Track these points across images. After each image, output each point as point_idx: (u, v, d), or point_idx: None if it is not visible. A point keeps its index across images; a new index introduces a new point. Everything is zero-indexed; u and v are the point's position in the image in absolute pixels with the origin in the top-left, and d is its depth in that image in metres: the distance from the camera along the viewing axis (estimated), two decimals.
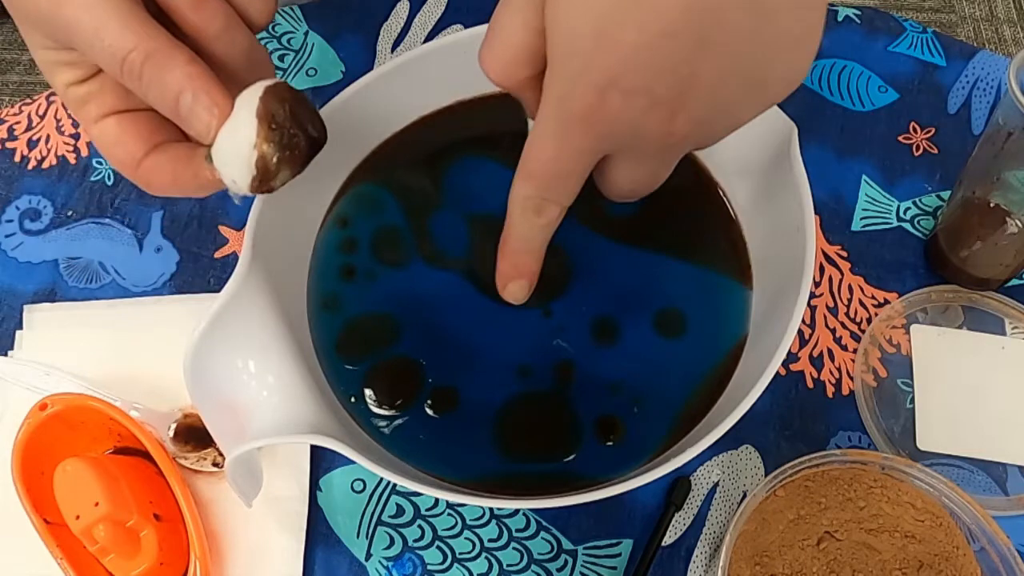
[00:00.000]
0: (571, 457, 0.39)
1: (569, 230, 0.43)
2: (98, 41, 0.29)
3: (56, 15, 0.29)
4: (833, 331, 0.49)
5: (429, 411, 0.40)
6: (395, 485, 0.45)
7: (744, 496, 0.45)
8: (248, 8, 0.31)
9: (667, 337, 0.41)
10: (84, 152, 0.55)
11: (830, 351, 0.48)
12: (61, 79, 0.31)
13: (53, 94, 0.57)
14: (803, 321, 0.49)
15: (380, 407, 0.40)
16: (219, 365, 0.35)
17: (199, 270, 0.51)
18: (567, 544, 0.44)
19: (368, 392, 0.40)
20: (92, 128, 0.32)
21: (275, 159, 0.29)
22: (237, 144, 0.28)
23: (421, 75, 0.43)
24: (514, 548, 0.44)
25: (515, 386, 0.40)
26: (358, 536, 0.44)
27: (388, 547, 0.44)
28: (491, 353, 0.41)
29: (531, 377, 0.40)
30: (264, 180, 0.29)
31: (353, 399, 0.40)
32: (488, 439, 0.39)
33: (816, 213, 0.37)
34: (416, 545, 0.44)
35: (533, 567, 0.43)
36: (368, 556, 0.44)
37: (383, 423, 0.40)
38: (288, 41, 0.57)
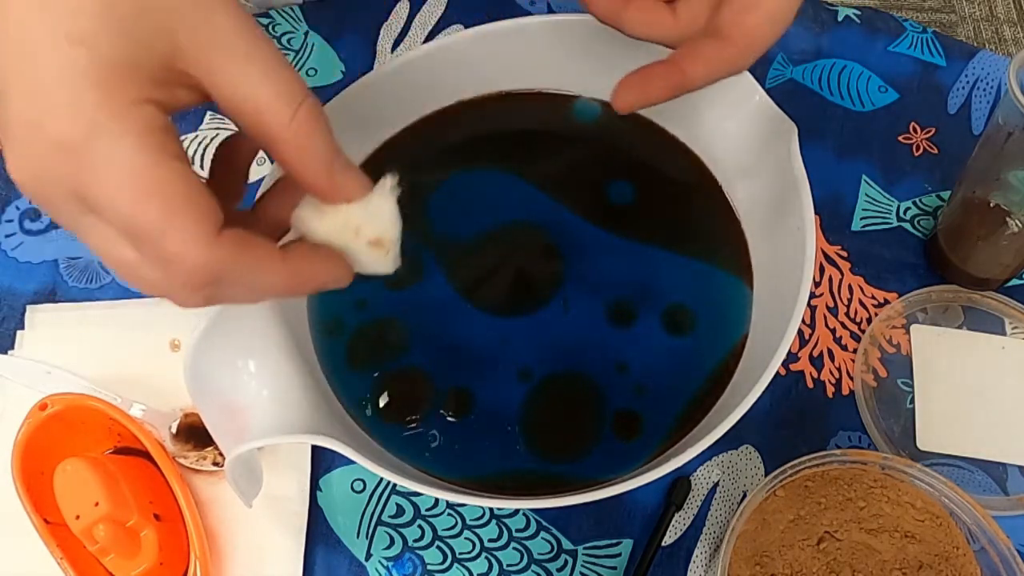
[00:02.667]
0: (590, 454, 0.39)
1: (572, 226, 0.44)
2: (274, 74, 0.24)
3: (206, 23, 0.23)
4: (833, 331, 0.49)
5: (448, 417, 0.40)
6: (395, 485, 0.45)
7: (744, 496, 0.45)
8: None
9: (673, 336, 0.41)
10: None
11: (830, 351, 0.48)
12: (131, 95, 0.23)
13: None
14: (803, 321, 0.48)
15: (395, 422, 0.40)
16: (219, 365, 0.35)
17: None
18: (567, 544, 0.44)
19: (381, 405, 0.40)
20: (164, 165, 0.22)
21: (398, 247, 0.29)
22: (383, 224, 0.28)
23: (421, 75, 0.43)
24: (514, 548, 0.44)
25: (522, 388, 0.40)
26: (358, 536, 0.44)
27: (388, 547, 0.44)
28: (498, 357, 0.41)
29: (538, 379, 0.40)
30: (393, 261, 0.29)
31: (365, 406, 0.40)
32: (503, 439, 0.39)
33: (816, 213, 0.37)
34: (416, 545, 0.44)
35: (533, 567, 0.43)
36: (368, 556, 0.44)
37: (392, 431, 0.40)
38: (288, 41, 0.57)
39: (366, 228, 0.28)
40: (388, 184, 0.28)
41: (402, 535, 0.44)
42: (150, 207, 0.22)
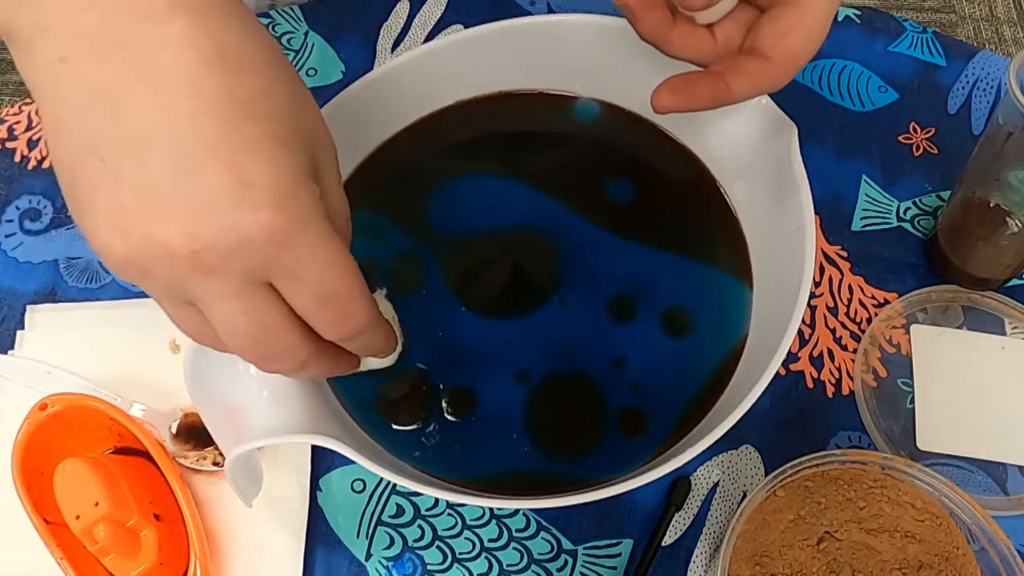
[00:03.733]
0: (592, 453, 0.39)
1: (571, 226, 0.44)
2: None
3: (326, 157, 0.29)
4: (833, 331, 0.49)
5: (448, 416, 0.40)
6: (395, 485, 0.45)
7: (744, 496, 0.45)
8: None
9: (673, 336, 0.41)
10: None
11: (830, 351, 0.48)
12: (317, 192, 0.27)
13: None
14: (803, 321, 0.49)
15: (395, 422, 0.40)
16: (219, 365, 0.35)
17: None
18: (567, 544, 0.44)
19: (381, 405, 0.40)
20: (328, 236, 0.26)
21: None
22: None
23: (421, 75, 0.43)
24: (514, 548, 0.44)
25: (523, 387, 0.40)
26: (358, 536, 0.44)
27: (388, 547, 0.44)
28: (499, 357, 0.41)
29: (539, 378, 0.40)
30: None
31: (365, 406, 0.40)
32: (504, 439, 0.39)
33: (816, 213, 0.37)
34: (416, 545, 0.44)
35: (533, 567, 0.43)
36: (368, 556, 0.44)
37: (391, 431, 0.40)
38: (288, 41, 0.57)
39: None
40: (383, 294, 0.37)
41: (402, 535, 0.44)
42: (352, 280, 0.27)
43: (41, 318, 0.49)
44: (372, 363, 0.36)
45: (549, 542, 0.44)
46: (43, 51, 0.25)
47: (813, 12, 0.33)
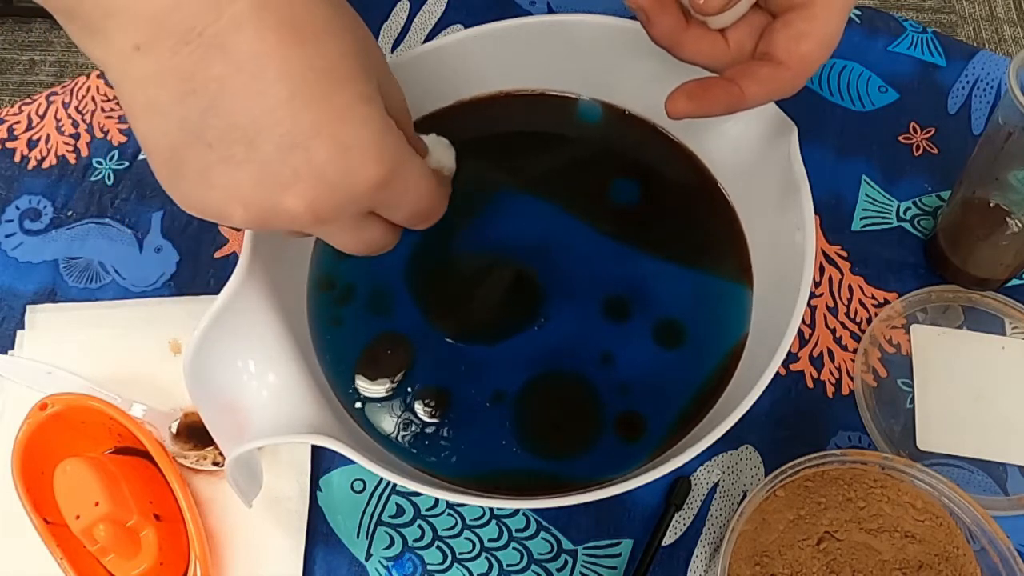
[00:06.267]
0: (591, 453, 0.39)
1: (569, 229, 0.44)
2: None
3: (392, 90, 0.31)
4: (833, 331, 0.49)
5: (448, 416, 0.40)
6: (395, 485, 0.45)
7: (744, 496, 0.45)
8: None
9: (667, 348, 0.41)
10: (84, 152, 0.55)
11: (830, 351, 0.48)
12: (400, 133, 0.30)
13: (53, 94, 0.57)
14: (803, 321, 0.48)
15: (374, 382, 0.40)
16: (219, 365, 0.35)
17: (199, 270, 0.51)
18: (567, 544, 0.44)
19: (378, 405, 0.40)
20: (414, 168, 0.30)
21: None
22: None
23: (421, 75, 0.43)
24: (514, 548, 0.44)
25: (522, 388, 0.40)
26: (358, 536, 0.44)
27: (388, 547, 0.44)
28: (498, 358, 0.41)
29: (536, 378, 0.40)
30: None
31: (363, 406, 0.40)
32: (504, 438, 0.39)
33: (816, 213, 0.37)
34: (416, 545, 0.44)
35: (533, 567, 0.43)
36: (368, 556, 0.44)
37: (387, 425, 0.40)
38: None
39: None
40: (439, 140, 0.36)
41: (402, 535, 0.44)
42: (435, 197, 0.31)
43: (41, 318, 0.49)
44: None
45: (549, 542, 0.44)
46: (115, 38, 0.25)
47: (826, 18, 0.33)
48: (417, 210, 0.31)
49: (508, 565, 0.43)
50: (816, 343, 0.48)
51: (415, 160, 0.30)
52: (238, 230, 0.28)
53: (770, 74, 0.34)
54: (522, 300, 0.42)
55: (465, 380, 0.41)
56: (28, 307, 0.50)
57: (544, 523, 0.44)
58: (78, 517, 0.40)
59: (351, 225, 0.30)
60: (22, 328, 0.49)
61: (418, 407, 0.40)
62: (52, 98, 0.57)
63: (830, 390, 0.47)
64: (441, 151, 0.35)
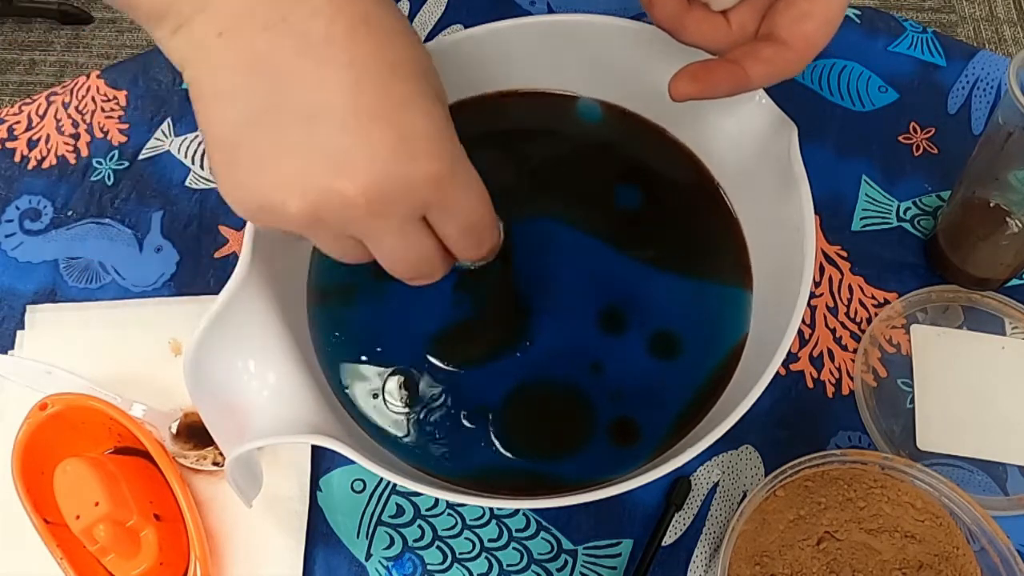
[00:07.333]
0: (589, 454, 0.39)
1: (567, 229, 0.44)
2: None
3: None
4: (833, 331, 0.49)
5: (448, 416, 0.40)
6: (395, 485, 0.45)
7: (744, 496, 0.45)
8: None
9: (662, 358, 0.41)
10: (84, 152, 0.55)
11: (830, 351, 0.48)
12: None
13: (53, 94, 0.57)
14: (803, 321, 0.48)
15: (392, 421, 0.40)
16: (219, 365, 0.35)
17: (199, 270, 0.51)
18: (567, 544, 0.44)
19: (378, 405, 0.40)
20: (472, 175, 0.30)
21: None
22: None
23: None
24: (514, 548, 0.44)
25: (519, 390, 0.40)
26: (358, 536, 0.44)
27: (388, 547, 0.44)
28: (498, 358, 0.41)
29: (534, 381, 0.40)
30: None
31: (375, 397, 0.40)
32: (503, 438, 0.39)
33: (816, 213, 0.37)
34: (416, 545, 0.44)
35: (533, 567, 0.43)
36: (368, 556, 0.44)
37: (386, 423, 0.40)
38: None
39: None
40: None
41: (402, 535, 0.44)
42: (488, 212, 0.31)
43: (41, 318, 0.49)
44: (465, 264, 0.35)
45: (549, 542, 0.44)
46: (199, 29, 0.27)
47: None
48: (471, 221, 0.30)
49: (508, 565, 0.43)
50: (816, 343, 0.48)
51: (470, 166, 0.30)
52: (286, 233, 0.28)
53: (774, 54, 0.34)
54: (516, 318, 0.42)
55: (465, 381, 0.41)
56: (28, 307, 0.50)
57: (544, 523, 0.44)
58: (78, 517, 0.40)
59: (401, 227, 0.29)
60: (22, 328, 0.49)
61: (418, 407, 0.40)
62: (52, 98, 0.57)
63: (830, 390, 0.47)
64: None
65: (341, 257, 0.31)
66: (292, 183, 0.27)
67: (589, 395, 0.40)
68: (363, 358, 0.41)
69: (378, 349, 0.41)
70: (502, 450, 0.39)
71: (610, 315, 0.42)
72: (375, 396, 0.40)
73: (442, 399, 0.40)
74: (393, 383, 0.41)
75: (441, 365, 0.41)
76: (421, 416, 0.40)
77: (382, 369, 0.41)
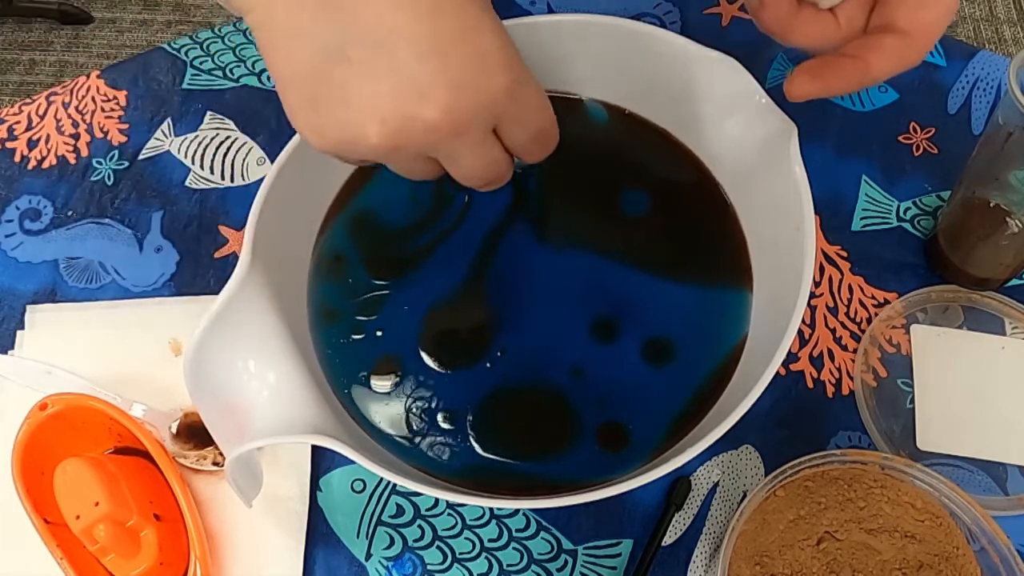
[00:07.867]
0: (566, 459, 0.39)
1: (565, 232, 0.44)
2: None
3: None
4: (833, 331, 0.49)
5: (447, 415, 0.40)
6: (395, 485, 0.45)
7: (744, 496, 0.45)
8: None
9: (657, 364, 0.41)
10: (84, 152, 0.55)
11: (830, 351, 0.48)
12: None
13: (53, 94, 0.57)
14: (803, 321, 0.48)
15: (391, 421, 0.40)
16: (219, 365, 0.35)
17: (199, 270, 0.51)
18: (567, 544, 0.44)
19: (388, 391, 0.40)
20: (536, 84, 0.32)
21: None
22: None
23: None
24: (514, 548, 0.44)
25: (515, 390, 0.40)
26: (358, 536, 0.44)
27: (388, 547, 0.44)
28: (497, 361, 0.41)
29: (531, 384, 0.40)
30: None
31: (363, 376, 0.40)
32: (503, 438, 0.39)
33: (816, 213, 0.37)
34: (416, 545, 0.44)
35: (533, 567, 0.43)
36: (368, 556, 0.44)
37: (393, 433, 0.40)
38: None
39: None
40: None
41: (402, 535, 0.44)
42: (552, 116, 0.32)
43: (41, 318, 0.49)
44: None
45: (549, 542, 0.44)
46: None
47: None
48: (540, 127, 0.32)
49: (508, 565, 0.43)
50: (816, 343, 0.48)
51: (533, 76, 0.31)
52: (361, 164, 0.29)
53: (896, 44, 0.33)
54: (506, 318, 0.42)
55: (465, 382, 0.41)
56: (28, 307, 0.50)
57: (544, 523, 0.44)
58: (78, 517, 0.40)
59: (479, 141, 0.30)
60: (22, 328, 0.49)
61: (418, 408, 0.40)
62: (52, 98, 0.57)
63: (830, 390, 0.47)
64: None
65: (414, 176, 0.32)
66: (372, 113, 0.27)
67: (577, 400, 0.40)
68: (363, 358, 0.41)
69: (379, 349, 0.41)
70: (502, 450, 0.39)
71: (606, 320, 0.42)
72: (375, 396, 0.40)
73: (442, 399, 0.40)
74: (393, 383, 0.41)
75: (441, 365, 0.41)
76: (421, 416, 0.40)
77: (382, 369, 0.41)
